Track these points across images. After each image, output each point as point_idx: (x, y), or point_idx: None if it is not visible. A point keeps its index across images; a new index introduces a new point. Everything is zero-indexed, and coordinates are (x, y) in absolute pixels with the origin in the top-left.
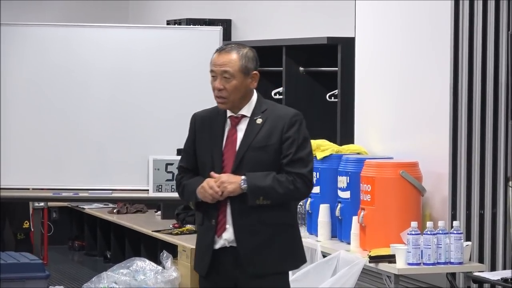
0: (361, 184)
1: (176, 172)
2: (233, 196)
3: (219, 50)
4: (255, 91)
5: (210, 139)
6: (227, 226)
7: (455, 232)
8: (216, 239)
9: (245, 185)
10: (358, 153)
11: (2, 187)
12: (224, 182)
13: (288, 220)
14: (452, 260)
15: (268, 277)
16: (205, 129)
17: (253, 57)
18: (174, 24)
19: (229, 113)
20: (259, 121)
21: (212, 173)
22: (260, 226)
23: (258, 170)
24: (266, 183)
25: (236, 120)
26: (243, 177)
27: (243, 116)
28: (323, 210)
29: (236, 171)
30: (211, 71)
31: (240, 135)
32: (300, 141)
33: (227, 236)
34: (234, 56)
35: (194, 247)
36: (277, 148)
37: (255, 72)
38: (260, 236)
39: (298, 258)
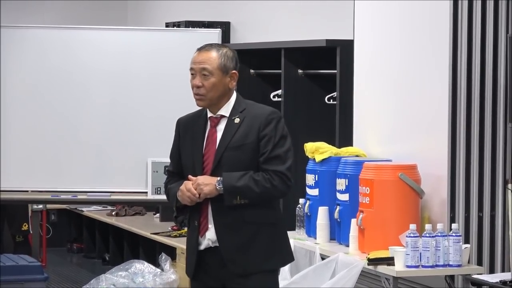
0: (359, 187)
1: None
2: (213, 197)
3: (199, 49)
4: (235, 91)
5: (191, 142)
6: (209, 225)
7: (453, 234)
8: (200, 240)
9: (220, 186)
10: (357, 156)
11: (1, 189)
12: (200, 184)
13: (271, 218)
14: (450, 263)
15: (254, 275)
16: (188, 132)
17: (233, 56)
18: (173, 27)
19: (209, 114)
20: (236, 120)
21: (190, 176)
22: (241, 225)
23: (237, 169)
24: (241, 183)
25: (216, 121)
26: (218, 178)
27: (222, 116)
28: (322, 212)
29: (215, 171)
30: (191, 69)
31: (219, 135)
32: (277, 139)
33: (210, 236)
34: (213, 54)
35: None
36: (255, 147)
37: (234, 71)
38: (241, 235)
39: (284, 255)
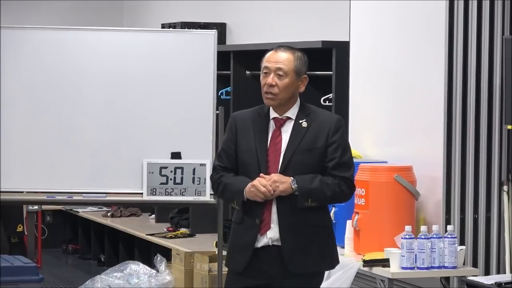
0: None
1: (169, 175)
2: (280, 196)
3: (274, 49)
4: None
5: (254, 140)
6: (272, 225)
7: (449, 236)
8: (259, 237)
9: (295, 186)
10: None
11: None
12: (276, 182)
13: (326, 221)
14: (446, 264)
15: (305, 276)
16: (248, 129)
17: (306, 61)
18: (169, 28)
19: (272, 115)
20: (304, 124)
21: (262, 174)
22: (303, 227)
23: (303, 172)
24: (315, 185)
25: (281, 122)
26: (292, 178)
27: (288, 118)
28: None
29: (282, 173)
30: (265, 67)
31: (284, 137)
32: (344, 146)
33: (272, 235)
34: (289, 55)
35: (188, 250)
36: (322, 152)
37: (305, 76)
38: (302, 236)
39: (333, 258)
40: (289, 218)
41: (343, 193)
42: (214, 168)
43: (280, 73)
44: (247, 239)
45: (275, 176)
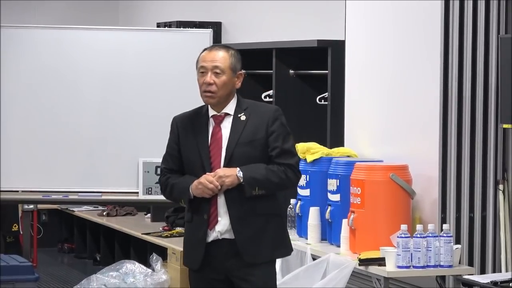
0: (351, 187)
1: None
2: (228, 189)
3: (209, 49)
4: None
5: (195, 139)
6: (219, 218)
7: (444, 235)
8: (208, 233)
9: (241, 176)
10: (348, 156)
11: None
12: (222, 177)
13: (277, 210)
14: (441, 263)
15: (259, 266)
16: (188, 130)
17: (239, 58)
18: (165, 27)
19: (211, 113)
20: (243, 118)
21: (207, 174)
22: (253, 216)
23: (248, 164)
24: (260, 173)
25: (220, 118)
26: (238, 169)
27: (226, 114)
28: (313, 213)
29: (226, 167)
30: (201, 67)
31: (225, 132)
32: (285, 134)
33: (220, 228)
34: (224, 53)
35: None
36: (264, 143)
37: (240, 72)
38: (253, 225)
39: (288, 246)
40: (239, 208)
41: (290, 179)
42: (161, 171)
43: (217, 71)
44: (198, 235)
45: (220, 171)
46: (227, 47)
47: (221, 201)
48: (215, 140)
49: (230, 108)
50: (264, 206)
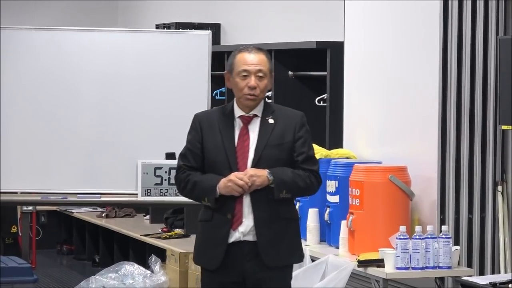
0: (350, 189)
1: (164, 176)
2: (255, 190)
3: (248, 51)
4: None
5: (221, 139)
6: (243, 219)
7: (443, 236)
8: (231, 233)
9: (271, 178)
10: (347, 158)
11: None
12: (252, 176)
13: (295, 215)
14: (440, 265)
15: (278, 269)
16: (213, 128)
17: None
18: (163, 28)
19: (238, 113)
20: (271, 120)
21: (237, 172)
22: (276, 220)
23: (274, 167)
24: (288, 176)
25: (248, 119)
26: (267, 170)
27: (255, 115)
28: (312, 214)
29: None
30: (244, 70)
31: (252, 134)
32: (310, 141)
33: (243, 229)
34: (264, 56)
35: (182, 251)
36: (290, 147)
37: (273, 73)
38: (275, 229)
39: (301, 252)
40: (264, 211)
41: (313, 185)
42: (180, 168)
43: (261, 74)
44: (218, 235)
45: (251, 171)
46: (262, 49)
47: (247, 201)
48: (242, 141)
49: (259, 110)
50: (285, 210)
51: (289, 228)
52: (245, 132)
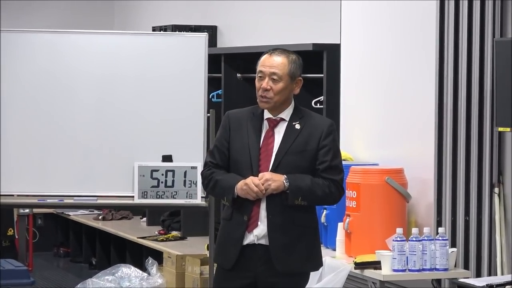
0: (346, 191)
1: (160, 178)
2: (271, 194)
3: (270, 53)
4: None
5: (247, 139)
6: (259, 223)
7: (440, 238)
8: (246, 235)
9: (287, 184)
10: (344, 160)
11: None
12: (268, 180)
13: (313, 222)
14: (437, 267)
15: (290, 276)
16: (241, 128)
17: (300, 64)
18: (160, 31)
19: (266, 115)
20: (297, 126)
21: (254, 177)
22: (291, 226)
23: (294, 173)
24: (305, 184)
25: (274, 122)
26: (284, 176)
27: (282, 119)
28: None
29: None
30: (260, 71)
31: (277, 137)
32: (335, 150)
33: (258, 233)
34: (284, 60)
35: (179, 253)
36: (313, 155)
37: (300, 78)
38: (289, 235)
39: (319, 259)
40: (278, 216)
41: (333, 195)
42: (206, 165)
43: (275, 77)
44: (235, 235)
45: (267, 175)
46: (288, 52)
47: (264, 205)
48: (266, 144)
49: (287, 114)
50: (302, 217)
51: (304, 236)
52: (270, 135)
